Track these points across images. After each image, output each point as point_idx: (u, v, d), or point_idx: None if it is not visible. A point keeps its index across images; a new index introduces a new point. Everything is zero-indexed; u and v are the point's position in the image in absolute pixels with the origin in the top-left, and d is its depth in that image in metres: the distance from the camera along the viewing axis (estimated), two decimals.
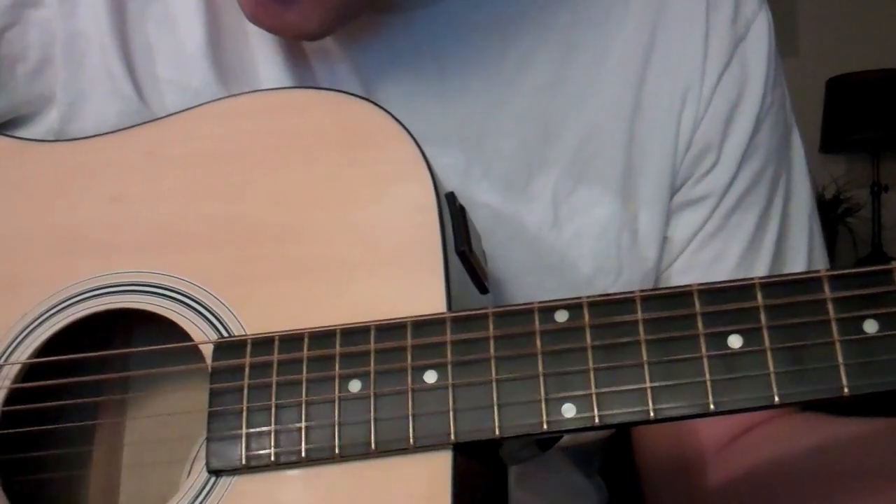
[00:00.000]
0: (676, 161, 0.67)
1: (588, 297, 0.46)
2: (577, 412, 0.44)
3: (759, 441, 0.66)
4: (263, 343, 0.49)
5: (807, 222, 0.72)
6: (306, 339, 0.48)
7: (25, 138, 0.59)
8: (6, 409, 0.52)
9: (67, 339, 0.53)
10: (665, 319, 0.45)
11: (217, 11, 0.62)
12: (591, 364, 0.45)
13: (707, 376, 0.43)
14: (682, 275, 0.68)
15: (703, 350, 0.44)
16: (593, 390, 0.44)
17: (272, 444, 0.47)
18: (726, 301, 0.44)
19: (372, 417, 0.46)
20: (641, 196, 0.66)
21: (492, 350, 0.46)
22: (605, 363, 0.45)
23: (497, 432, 0.45)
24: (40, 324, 0.53)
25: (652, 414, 0.43)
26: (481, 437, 0.45)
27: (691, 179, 0.68)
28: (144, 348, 0.54)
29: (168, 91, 0.62)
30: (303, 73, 0.63)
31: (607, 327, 0.45)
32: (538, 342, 0.46)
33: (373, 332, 0.48)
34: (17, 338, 0.53)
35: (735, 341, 0.43)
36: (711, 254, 0.68)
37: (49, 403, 0.53)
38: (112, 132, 0.57)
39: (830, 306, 0.43)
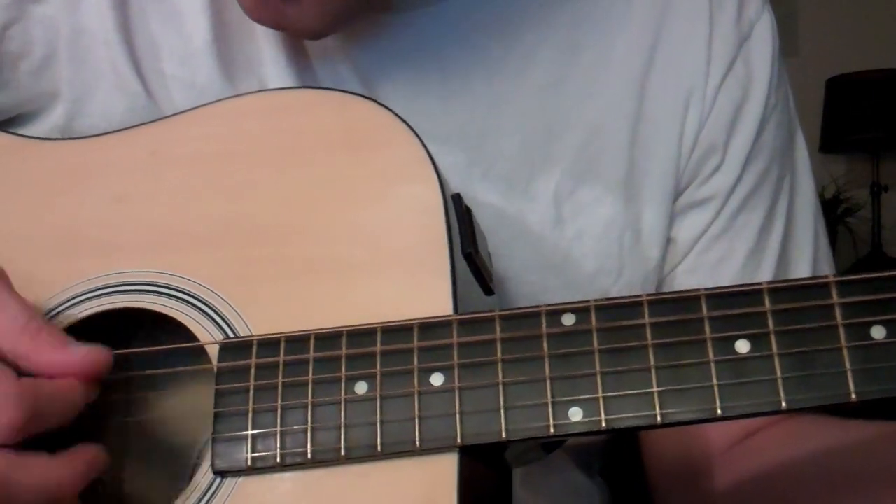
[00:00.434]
0: (680, 162, 0.67)
1: (595, 300, 0.46)
2: (584, 416, 0.44)
3: (767, 444, 0.66)
4: (269, 344, 0.49)
5: (812, 222, 0.72)
6: (312, 341, 0.48)
7: (29, 136, 0.59)
8: None
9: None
10: (672, 324, 0.45)
11: (222, 8, 0.62)
12: (598, 368, 0.45)
13: (714, 381, 0.43)
14: (687, 276, 0.68)
15: (711, 355, 0.44)
16: (600, 394, 0.44)
17: (278, 445, 0.47)
18: (734, 306, 0.44)
19: (378, 419, 0.46)
20: (644, 196, 0.66)
21: (499, 353, 0.46)
22: (612, 367, 0.45)
23: (504, 435, 0.45)
24: None
25: (659, 418, 0.43)
26: (488, 441, 0.45)
27: (696, 181, 0.68)
28: (150, 349, 0.54)
29: (175, 86, 0.62)
30: (305, 73, 0.63)
31: (614, 331, 0.45)
32: (545, 345, 0.45)
33: (379, 334, 0.48)
34: None
35: (742, 346, 0.43)
36: (717, 255, 0.68)
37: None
38: (116, 131, 0.57)
39: (838, 312, 0.43)
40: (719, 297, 0.45)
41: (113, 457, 0.57)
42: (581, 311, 0.46)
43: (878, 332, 0.42)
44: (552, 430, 0.44)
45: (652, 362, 0.44)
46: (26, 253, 0.55)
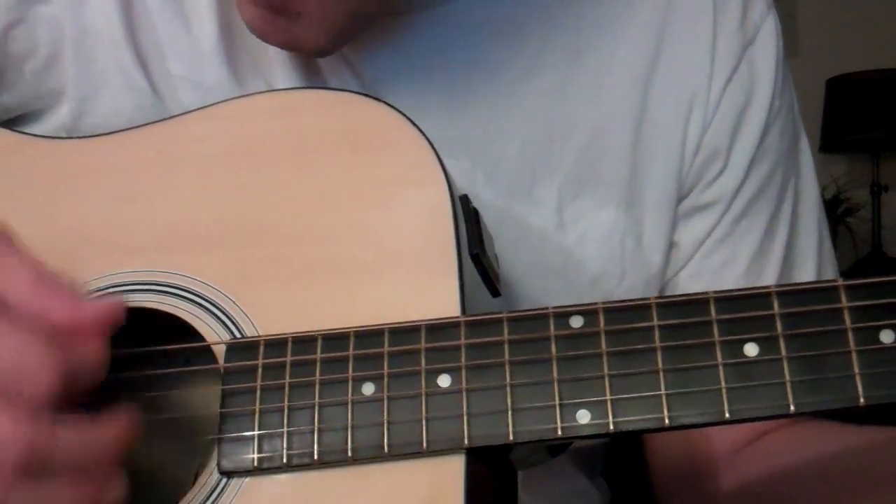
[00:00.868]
0: (683, 166, 0.66)
1: (603, 302, 0.46)
2: (592, 418, 0.44)
3: (772, 448, 0.66)
4: (276, 344, 0.49)
5: (816, 227, 0.72)
6: (320, 341, 0.48)
7: (35, 135, 0.59)
8: None
9: None
10: (681, 326, 0.45)
11: (230, 9, 0.62)
12: (606, 370, 0.45)
13: (722, 384, 0.43)
14: (691, 280, 0.68)
15: (719, 358, 0.44)
16: (608, 396, 0.44)
17: (284, 445, 0.47)
18: (742, 309, 0.44)
19: (385, 420, 0.46)
20: (647, 201, 0.66)
21: (506, 354, 0.46)
22: (620, 369, 0.45)
23: (511, 437, 0.45)
24: None
25: (667, 421, 0.43)
26: (495, 442, 0.45)
27: (699, 185, 0.67)
28: (157, 348, 0.54)
29: (181, 87, 0.62)
30: (312, 74, 0.63)
31: (622, 333, 0.45)
32: (553, 347, 0.45)
33: (387, 335, 0.48)
34: None
35: (751, 349, 0.43)
36: (720, 259, 0.68)
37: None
38: (122, 130, 0.57)
39: (847, 316, 0.43)
40: (728, 300, 0.45)
41: None
42: (589, 313, 0.46)
43: (887, 337, 0.42)
44: (560, 433, 0.44)
45: (660, 365, 0.44)
46: (32, 252, 0.55)
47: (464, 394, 0.46)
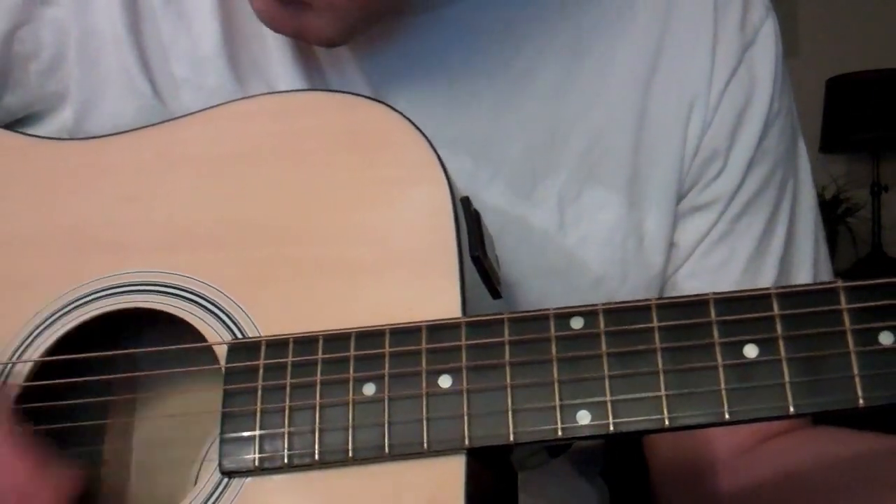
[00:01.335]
0: (683, 167, 0.67)
1: (604, 304, 0.46)
2: (592, 419, 0.44)
3: (774, 453, 0.66)
4: (278, 345, 0.49)
5: (812, 229, 0.72)
6: (321, 342, 0.48)
7: (39, 136, 0.59)
8: (17, 406, 0.52)
9: (79, 338, 0.53)
10: (681, 328, 0.45)
11: (232, 12, 0.62)
12: (606, 371, 0.45)
13: (722, 385, 0.43)
14: (688, 280, 0.68)
15: (719, 359, 0.44)
16: (608, 397, 0.44)
17: (285, 446, 0.47)
18: (742, 310, 0.44)
19: (386, 421, 0.46)
20: (648, 201, 0.66)
21: (507, 355, 0.46)
22: (620, 370, 0.45)
23: (511, 438, 0.45)
24: (52, 322, 0.53)
25: (667, 422, 0.43)
26: (495, 443, 0.45)
27: (698, 185, 0.68)
28: (158, 348, 0.54)
29: (184, 89, 0.62)
30: (314, 75, 0.63)
31: (623, 335, 0.45)
32: (553, 348, 0.46)
33: (387, 336, 0.48)
34: (29, 336, 0.53)
35: (751, 351, 0.44)
36: (718, 259, 0.68)
37: (60, 402, 0.53)
38: (125, 132, 0.57)
39: (846, 317, 0.43)
40: (728, 301, 0.45)
41: (119, 456, 0.58)
42: (589, 314, 0.46)
43: (886, 338, 0.42)
44: (560, 433, 0.44)
45: (660, 366, 0.44)
46: (35, 252, 0.55)
47: (464, 394, 0.46)
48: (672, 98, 0.66)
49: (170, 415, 0.56)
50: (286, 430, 0.47)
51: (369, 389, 0.47)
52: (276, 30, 0.56)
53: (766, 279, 0.68)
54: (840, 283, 0.44)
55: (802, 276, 0.70)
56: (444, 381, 0.46)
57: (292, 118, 0.55)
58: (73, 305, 0.53)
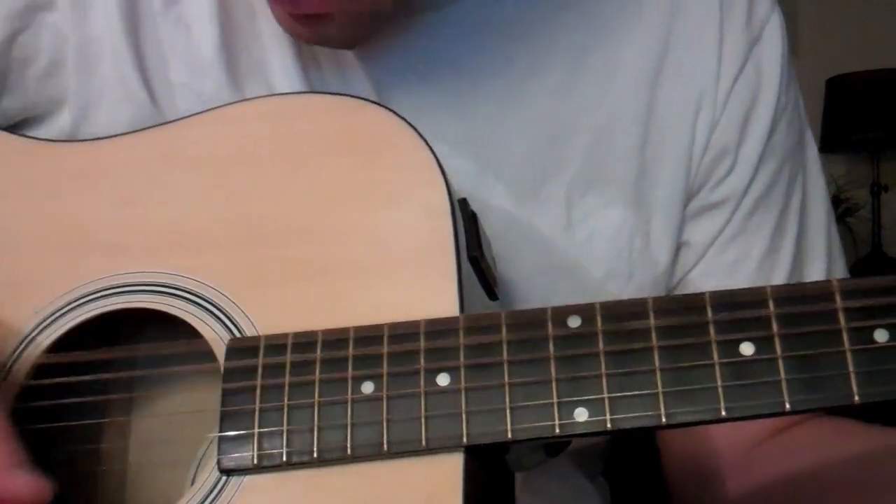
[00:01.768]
0: (692, 165, 0.67)
1: (601, 302, 0.46)
2: (590, 416, 0.44)
3: (787, 445, 0.67)
4: (277, 344, 0.49)
5: (825, 219, 0.72)
6: (320, 341, 0.48)
7: (38, 138, 0.60)
8: (16, 405, 0.52)
9: (79, 338, 0.54)
10: (677, 326, 0.45)
11: (230, 16, 0.62)
12: (603, 369, 0.45)
13: (719, 383, 0.44)
14: (703, 278, 0.69)
15: (716, 357, 0.44)
16: (605, 395, 0.44)
17: (284, 444, 0.47)
18: (738, 309, 0.44)
19: (384, 419, 0.46)
20: (654, 200, 0.66)
21: (505, 354, 0.46)
22: (617, 369, 0.45)
23: (509, 435, 0.45)
24: (52, 322, 0.54)
25: (664, 419, 0.44)
26: (493, 440, 0.45)
27: (708, 184, 0.68)
28: (158, 348, 0.54)
29: (181, 95, 0.62)
30: (314, 78, 0.63)
31: (620, 333, 0.45)
32: (551, 347, 0.46)
33: (386, 335, 0.48)
34: (28, 336, 0.54)
35: (747, 349, 0.44)
36: (733, 256, 0.68)
37: (58, 401, 0.53)
38: (125, 134, 0.57)
39: (842, 316, 0.43)
40: (724, 300, 0.45)
41: (118, 455, 0.58)
42: (587, 313, 0.46)
43: (881, 336, 0.42)
44: (558, 430, 0.44)
45: (657, 364, 0.44)
46: (33, 254, 0.55)
47: (462, 392, 0.46)
48: (679, 96, 0.66)
49: (168, 414, 0.56)
50: (285, 428, 0.47)
51: (368, 388, 0.47)
52: (299, 40, 0.58)
53: (780, 273, 0.69)
54: (835, 283, 0.44)
55: (816, 267, 0.71)
56: (443, 380, 0.46)
57: (290, 120, 0.55)
58: (72, 305, 0.54)
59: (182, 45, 0.62)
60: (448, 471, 0.46)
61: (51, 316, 0.54)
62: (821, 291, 0.44)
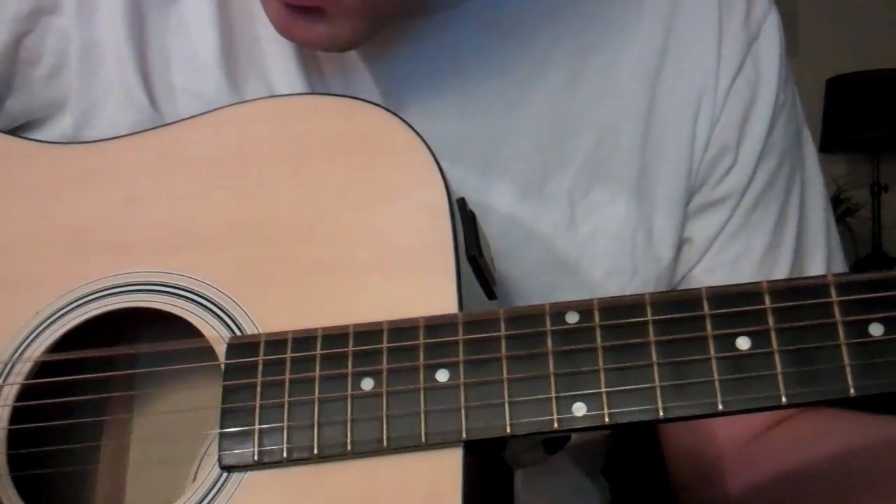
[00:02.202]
0: (693, 163, 0.67)
1: (599, 298, 0.47)
2: (588, 410, 0.45)
3: (782, 440, 0.67)
4: (277, 342, 0.49)
5: (823, 215, 0.73)
6: (319, 338, 0.49)
7: (40, 140, 0.60)
8: (18, 404, 0.53)
9: (80, 337, 0.54)
10: (674, 321, 0.45)
11: (231, 19, 0.63)
12: (601, 364, 0.45)
13: (715, 377, 0.44)
14: (707, 274, 0.69)
15: (712, 351, 0.44)
16: (603, 389, 0.45)
17: (284, 440, 0.47)
18: (734, 304, 0.45)
19: (384, 415, 0.47)
20: (657, 196, 0.67)
21: (503, 350, 0.47)
22: (615, 363, 0.45)
23: (508, 430, 0.45)
24: (53, 321, 0.54)
25: (661, 413, 0.44)
26: (493, 435, 0.45)
27: (710, 181, 0.68)
28: (158, 346, 0.54)
29: (182, 99, 0.62)
30: (315, 80, 0.64)
31: (617, 328, 0.46)
32: (549, 342, 0.46)
33: (385, 332, 0.48)
34: (30, 335, 0.54)
35: (743, 343, 0.44)
36: (735, 252, 0.69)
37: (60, 399, 0.54)
38: (127, 135, 0.58)
39: (837, 310, 0.43)
40: (720, 295, 0.45)
41: (119, 453, 0.58)
42: (584, 309, 0.46)
43: (876, 329, 0.43)
44: (556, 425, 0.45)
45: (654, 359, 0.45)
46: (36, 253, 0.55)
47: (461, 388, 0.46)
48: (679, 94, 0.67)
49: (169, 411, 0.57)
50: (285, 424, 0.48)
51: (367, 384, 0.47)
52: (292, 39, 0.57)
53: (781, 268, 0.69)
54: (831, 277, 0.44)
55: (816, 262, 0.71)
56: (442, 376, 0.47)
57: (291, 121, 0.55)
58: (73, 305, 0.54)
59: (184, 48, 0.63)
60: (448, 466, 0.46)
61: (52, 316, 0.54)
62: (816, 285, 0.44)
